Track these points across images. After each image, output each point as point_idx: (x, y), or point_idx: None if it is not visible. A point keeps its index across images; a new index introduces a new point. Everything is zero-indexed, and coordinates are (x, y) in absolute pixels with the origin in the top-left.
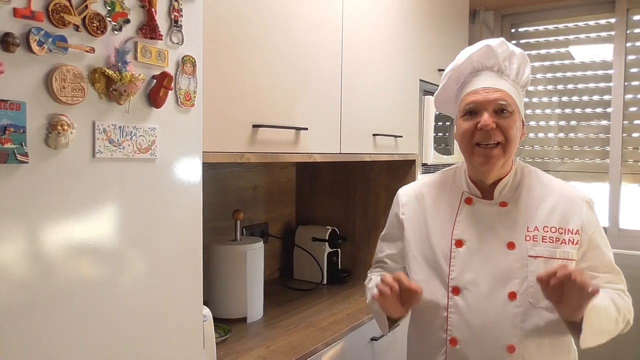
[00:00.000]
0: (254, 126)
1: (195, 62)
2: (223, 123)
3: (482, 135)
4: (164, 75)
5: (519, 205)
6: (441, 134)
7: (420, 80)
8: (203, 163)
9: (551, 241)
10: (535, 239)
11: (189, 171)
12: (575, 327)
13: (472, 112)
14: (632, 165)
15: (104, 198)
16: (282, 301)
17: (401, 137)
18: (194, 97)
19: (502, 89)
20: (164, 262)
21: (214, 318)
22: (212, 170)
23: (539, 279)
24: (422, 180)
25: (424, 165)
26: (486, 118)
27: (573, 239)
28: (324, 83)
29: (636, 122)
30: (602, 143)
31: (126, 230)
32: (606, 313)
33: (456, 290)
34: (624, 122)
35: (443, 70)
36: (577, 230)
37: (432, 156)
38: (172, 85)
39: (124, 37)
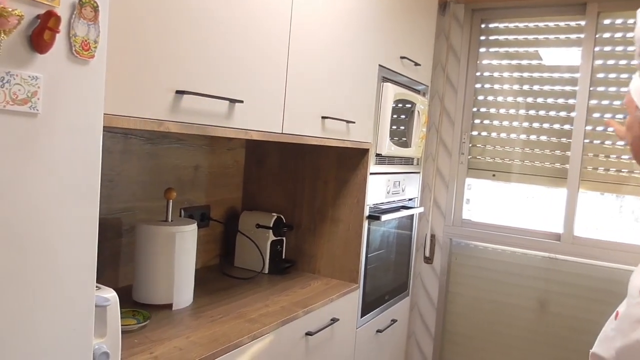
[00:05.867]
0: (177, 92)
1: (97, 6)
2: (137, 84)
3: None
4: (49, 14)
5: None
6: (402, 127)
7: (380, 65)
8: (126, 131)
9: None
10: None
11: (85, 134)
12: None
13: None
14: (591, 172)
15: None
16: (215, 289)
17: (354, 123)
18: (95, 47)
19: (630, 87)
20: (47, 239)
21: (138, 303)
22: (149, 145)
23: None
24: None
25: (377, 155)
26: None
27: None
28: (268, 52)
29: (599, 128)
30: (563, 148)
31: None
32: None
33: None
34: (587, 127)
35: (406, 58)
36: None
37: (387, 146)
38: (60, 28)
39: None
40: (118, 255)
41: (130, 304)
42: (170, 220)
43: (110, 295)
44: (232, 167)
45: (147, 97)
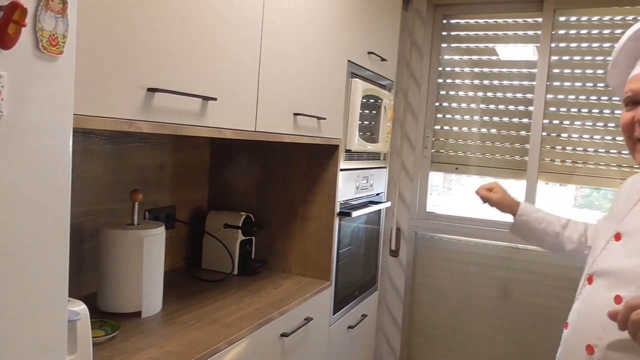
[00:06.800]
0: (149, 90)
1: None
2: (107, 81)
3: None
4: (14, 5)
5: None
6: (367, 122)
7: (349, 61)
8: (87, 130)
9: None
10: None
11: (54, 137)
12: None
13: (633, 102)
14: (548, 164)
15: None
16: (185, 293)
17: (325, 119)
18: (63, 42)
19: None
20: (15, 251)
21: (104, 313)
22: (111, 144)
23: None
24: None
25: (347, 151)
26: None
27: None
28: (240, 50)
29: (555, 121)
30: (522, 141)
31: None
32: None
33: (590, 279)
34: (544, 121)
35: (373, 53)
36: None
37: (356, 142)
38: (27, 21)
39: None
40: (80, 262)
41: (95, 313)
42: (136, 223)
43: (80, 308)
44: (197, 166)
45: (117, 95)
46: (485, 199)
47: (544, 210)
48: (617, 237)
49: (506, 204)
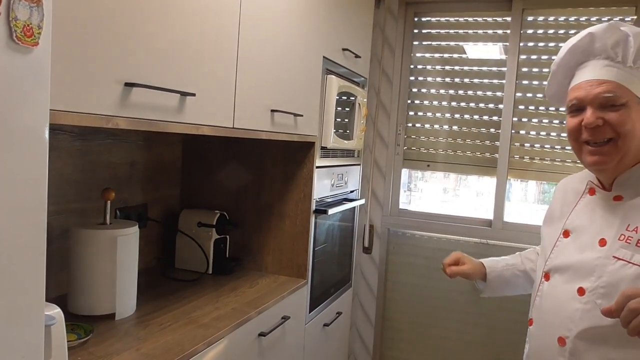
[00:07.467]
0: (126, 84)
1: None
2: (84, 76)
3: (588, 133)
4: None
5: (634, 202)
6: (340, 119)
7: (324, 57)
8: (54, 126)
9: None
10: (628, 240)
11: (29, 133)
12: None
13: (577, 108)
14: (517, 161)
15: None
16: (159, 294)
17: (302, 116)
18: (39, 33)
19: (609, 80)
20: None
21: (75, 315)
22: (79, 142)
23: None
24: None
25: (323, 148)
26: (589, 115)
27: None
28: (218, 44)
29: (524, 119)
30: (492, 138)
31: None
32: None
33: (547, 276)
34: (514, 119)
35: (348, 50)
36: None
37: (332, 140)
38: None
39: None
40: (49, 263)
41: (66, 316)
42: (108, 222)
43: (55, 312)
44: (169, 163)
45: (94, 90)
46: (457, 275)
47: (500, 258)
48: (566, 234)
49: (477, 271)
